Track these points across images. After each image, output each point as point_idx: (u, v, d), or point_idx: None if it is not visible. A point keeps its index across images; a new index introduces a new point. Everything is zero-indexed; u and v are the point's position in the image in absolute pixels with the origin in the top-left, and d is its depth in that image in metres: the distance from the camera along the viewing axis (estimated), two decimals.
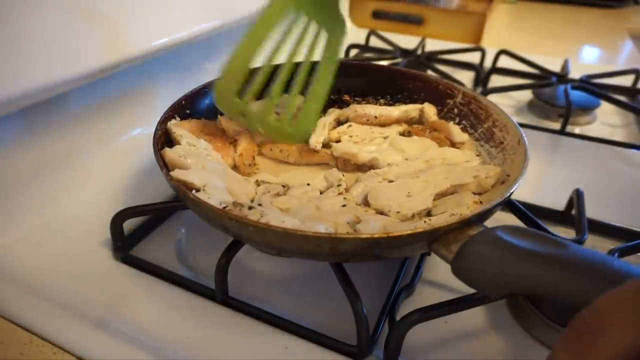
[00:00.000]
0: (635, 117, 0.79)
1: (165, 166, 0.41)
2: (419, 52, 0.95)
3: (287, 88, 0.47)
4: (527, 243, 0.30)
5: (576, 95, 0.77)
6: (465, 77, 0.88)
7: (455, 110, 0.55)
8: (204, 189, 0.39)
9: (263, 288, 0.43)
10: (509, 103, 0.83)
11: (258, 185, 0.45)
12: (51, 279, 0.42)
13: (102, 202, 0.50)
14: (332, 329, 0.37)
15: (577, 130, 0.75)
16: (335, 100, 0.60)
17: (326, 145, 0.52)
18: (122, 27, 0.50)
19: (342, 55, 0.81)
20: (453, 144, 0.52)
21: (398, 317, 0.35)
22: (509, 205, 0.45)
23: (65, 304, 0.39)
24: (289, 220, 0.35)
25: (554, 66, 0.90)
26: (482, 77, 0.88)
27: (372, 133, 0.53)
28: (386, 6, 1.18)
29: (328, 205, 0.41)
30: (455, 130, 0.52)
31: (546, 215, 0.51)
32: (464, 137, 0.52)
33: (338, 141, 0.52)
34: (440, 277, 0.44)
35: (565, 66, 0.90)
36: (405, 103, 0.58)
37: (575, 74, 0.86)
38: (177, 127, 0.47)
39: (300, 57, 0.47)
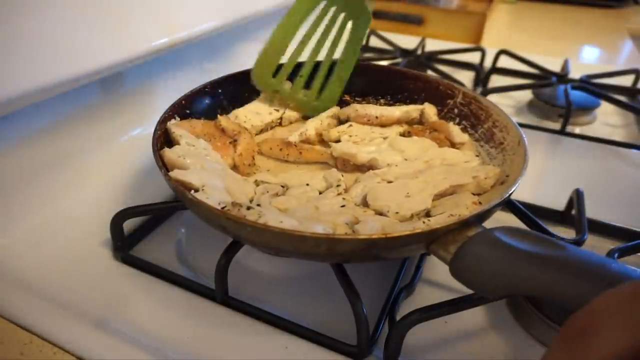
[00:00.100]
0: (635, 117, 0.79)
1: (164, 166, 0.42)
2: (419, 52, 0.95)
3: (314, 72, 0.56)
4: (525, 244, 0.30)
5: (576, 95, 0.77)
6: (465, 77, 0.88)
7: (456, 111, 0.55)
8: (202, 189, 0.39)
9: (263, 288, 0.43)
10: (509, 103, 0.83)
11: (257, 185, 0.45)
12: (51, 278, 0.42)
13: (102, 202, 0.50)
14: (332, 329, 0.37)
15: (577, 130, 0.75)
16: None
17: (325, 143, 0.52)
18: (122, 27, 0.50)
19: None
20: (453, 145, 0.52)
21: (398, 317, 0.35)
22: (509, 205, 0.45)
23: (65, 303, 0.39)
24: (287, 221, 0.35)
25: (554, 66, 0.90)
26: (482, 77, 0.88)
27: (372, 133, 0.53)
28: (386, 6, 1.18)
29: (327, 206, 0.41)
30: (455, 130, 0.52)
31: (546, 215, 0.51)
32: (464, 137, 0.52)
33: (338, 141, 0.52)
34: (440, 277, 0.44)
35: (565, 66, 0.90)
36: (406, 103, 0.59)
37: (575, 74, 0.86)
38: (177, 127, 0.47)
39: (327, 44, 0.55)
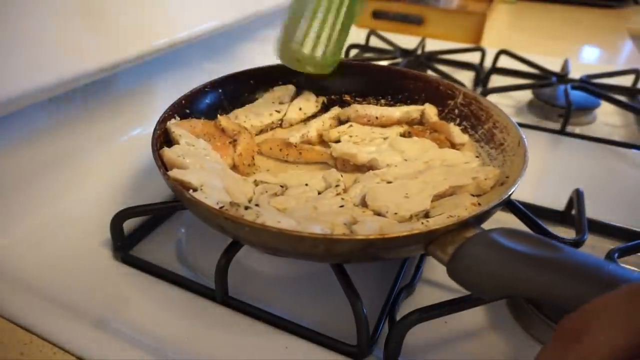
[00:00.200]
0: (635, 117, 0.79)
1: (164, 166, 0.42)
2: (419, 52, 0.95)
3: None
4: (523, 246, 0.30)
5: (576, 95, 0.77)
6: (465, 77, 0.88)
7: (456, 111, 0.55)
8: (201, 189, 0.39)
9: (263, 288, 0.43)
10: (509, 103, 0.83)
11: (256, 185, 0.45)
12: (51, 278, 0.42)
13: (102, 202, 0.50)
14: (332, 329, 0.37)
15: (577, 130, 0.75)
16: (335, 100, 0.60)
17: (325, 143, 0.52)
18: (122, 27, 0.50)
19: None
20: (453, 145, 0.52)
21: (398, 317, 0.35)
22: (509, 205, 0.45)
23: (65, 303, 0.39)
24: (285, 221, 0.35)
25: (554, 66, 0.90)
26: (482, 77, 0.88)
27: (372, 134, 0.53)
28: (386, 6, 1.18)
29: (325, 206, 0.41)
30: (455, 131, 0.52)
31: (546, 215, 0.51)
32: (464, 138, 0.52)
33: (338, 141, 0.52)
34: (440, 277, 0.44)
35: (565, 66, 0.90)
36: (406, 103, 0.59)
37: (575, 74, 0.86)
38: (176, 127, 0.47)
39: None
